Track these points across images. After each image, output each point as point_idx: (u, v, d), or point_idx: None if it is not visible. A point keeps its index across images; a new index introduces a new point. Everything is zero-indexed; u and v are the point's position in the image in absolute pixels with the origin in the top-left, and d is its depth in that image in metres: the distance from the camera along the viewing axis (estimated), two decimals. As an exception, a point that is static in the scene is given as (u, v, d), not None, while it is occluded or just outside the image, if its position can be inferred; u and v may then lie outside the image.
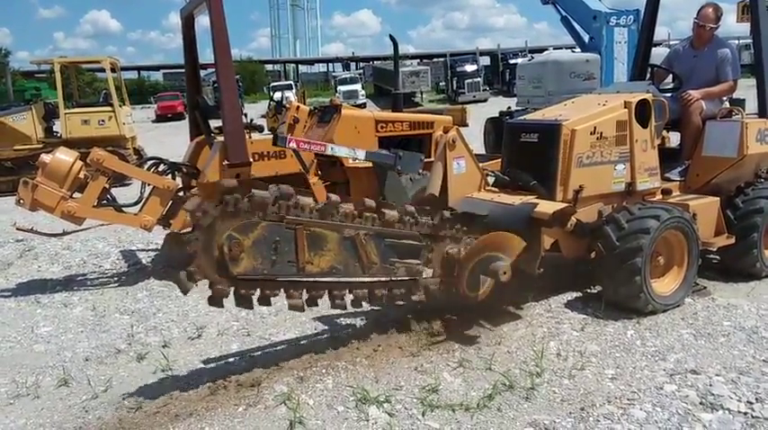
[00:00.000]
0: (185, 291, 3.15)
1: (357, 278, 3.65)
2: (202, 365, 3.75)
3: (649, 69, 5.70)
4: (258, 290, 3.35)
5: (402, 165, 4.78)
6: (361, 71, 49.25)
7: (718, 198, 4.72)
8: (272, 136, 6.26)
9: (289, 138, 4.28)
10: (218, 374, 3.56)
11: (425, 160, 5.97)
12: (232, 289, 3.25)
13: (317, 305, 3.60)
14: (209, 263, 3.15)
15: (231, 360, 3.82)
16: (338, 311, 4.47)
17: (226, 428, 2.99)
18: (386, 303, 3.86)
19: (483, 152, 11.88)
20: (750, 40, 5.49)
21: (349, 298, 3.67)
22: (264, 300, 3.40)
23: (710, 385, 3.16)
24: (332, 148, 4.59)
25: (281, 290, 3.43)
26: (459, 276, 3.82)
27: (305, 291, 3.51)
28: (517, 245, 3.82)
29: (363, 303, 3.74)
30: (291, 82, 44.80)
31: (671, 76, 5.39)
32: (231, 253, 3.15)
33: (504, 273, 3.69)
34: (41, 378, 3.69)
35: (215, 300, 3.23)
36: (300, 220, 3.39)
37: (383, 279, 3.74)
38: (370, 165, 5.99)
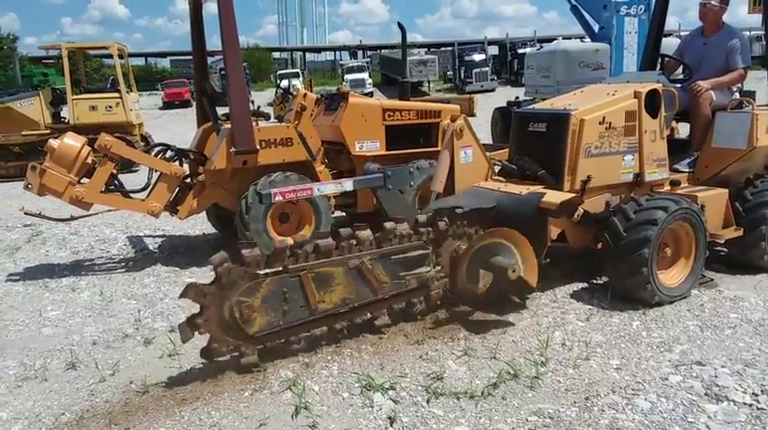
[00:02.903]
0: (211, 360, 3.33)
1: (370, 300, 3.70)
2: (209, 350, 3.77)
3: (660, 59, 5.65)
4: (281, 339, 3.45)
5: (392, 182, 4.77)
6: (369, 59, 49.04)
7: (727, 190, 4.68)
8: (278, 124, 6.27)
9: (273, 192, 4.27)
10: (223, 359, 3.58)
11: (433, 149, 5.97)
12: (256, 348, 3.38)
13: (342, 336, 3.67)
14: (227, 334, 3.26)
15: (237, 346, 3.83)
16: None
17: (232, 412, 3.01)
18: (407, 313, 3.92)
19: (490, 143, 11.84)
20: (762, 32, 5.43)
21: (368, 317, 3.74)
22: (289, 347, 3.50)
23: (716, 376, 3.16)
24: (318, 189, 4.55)
25: (302, 332, 3.52)
26: (456, 270, 3.83)
27: (325, 327, 3.58)
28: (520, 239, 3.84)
29: (385, 320, 3.79)
30: (298, 70, 44.66)
31: (683, 67, 5.35)
32: (242, 316, 3.24)
33: (513, 271, 3.70)
34: (49, 361, 3.72)
35: (248, 365, 3.35)
36: (303, 266, 3.44)
37: (398, 292, 3.79)
38: (378, 153, 6.00)
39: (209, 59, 7.63)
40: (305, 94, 6.11)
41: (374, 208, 5.86)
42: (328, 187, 4.69)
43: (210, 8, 7.14)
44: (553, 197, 3.98)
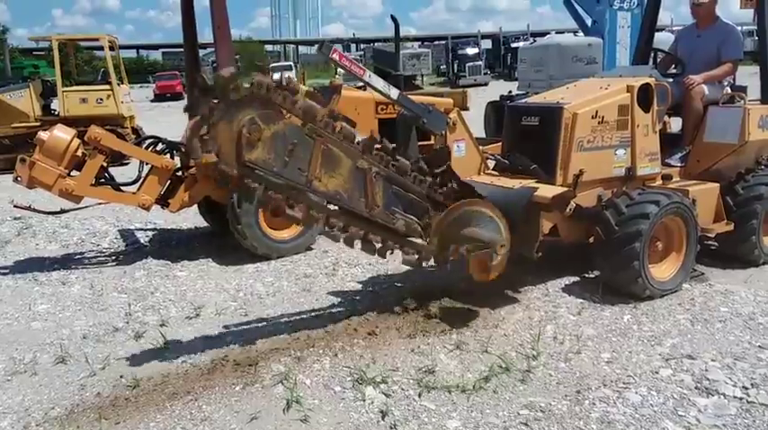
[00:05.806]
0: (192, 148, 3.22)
1: (357, 211, 3.57)
2: (200, 344, 3.76)
3: (653, 54, 5.66)
4: (263, 187, 3.30)
5: (429, 119, 4.68)
6: (362, 53, 48.89)
7: (719, 184, 4.70)
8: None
9: (334, 48, 4.13)
10: (215, 353, 3.57)
11: (428, 143, 5.96)
12: (236, 173, 3.23)
13: (313, 224, 3.55)
14: (227, 141, 3.16)
15: (228, 339, 3.82)
16: (336, 292, 4.51)
17: (223, 406, 3.00)
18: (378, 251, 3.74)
19: (483, 137, 11.83)
20: (753, 27, 5.45)
21: (343, 234, 3.61)
22: (264, 199, 3.35)
23: (706, 370, 3.18)
24: (370, 76, 4.47)
25: (285, 196, 3.38)
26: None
27: (307, 207, 3.46)
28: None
29: (356, 242, 3.65)
30: (291, 62, 44.47)
31: (675, 61, 5.36)
32: (249, 137, 3.11)
33: (502, 245, 3.67)
34: (39, 355, 3.70)
35: (221, 182, 3.30)
36: (321, 133, 3.34)
37: (380, 222, 3.65)
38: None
39: (201, 52, 7.59)
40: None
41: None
42: (379, 82, 4.60)
43: (202, 0, 7.08)
44: (545, 191, 3.98)
